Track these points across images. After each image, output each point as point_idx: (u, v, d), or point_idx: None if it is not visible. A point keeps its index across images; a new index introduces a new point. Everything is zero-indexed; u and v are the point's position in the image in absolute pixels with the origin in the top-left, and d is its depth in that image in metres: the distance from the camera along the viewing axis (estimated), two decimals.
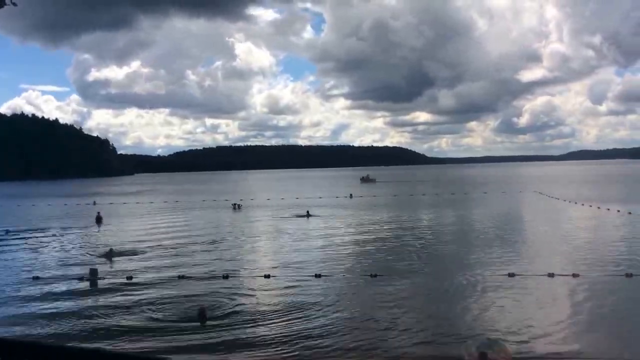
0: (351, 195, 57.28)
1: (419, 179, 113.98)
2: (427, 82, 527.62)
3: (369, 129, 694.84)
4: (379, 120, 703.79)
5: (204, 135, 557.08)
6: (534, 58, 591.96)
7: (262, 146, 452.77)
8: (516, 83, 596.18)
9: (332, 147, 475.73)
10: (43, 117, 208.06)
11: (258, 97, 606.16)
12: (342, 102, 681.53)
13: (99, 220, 36.20)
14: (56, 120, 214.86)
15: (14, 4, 6.82)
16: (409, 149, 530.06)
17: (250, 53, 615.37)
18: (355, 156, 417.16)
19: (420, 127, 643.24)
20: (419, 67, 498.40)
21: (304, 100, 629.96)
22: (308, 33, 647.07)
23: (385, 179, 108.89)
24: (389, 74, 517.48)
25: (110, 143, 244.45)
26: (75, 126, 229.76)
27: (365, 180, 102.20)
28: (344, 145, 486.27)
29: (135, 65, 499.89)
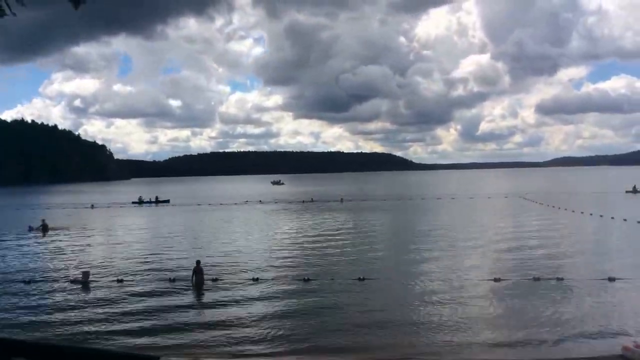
0: (342, 199, 59.71)
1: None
2: (372, 93, 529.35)
3: (337, 136, 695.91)
4: (338, 130, 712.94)
5: (182, 142, 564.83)
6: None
7: (255, 152, 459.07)
8: (462, 95, 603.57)
9: (323, 153, 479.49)
10: (42, 123, 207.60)
11: (224, 107, 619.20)
12: (292, 113, 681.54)
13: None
14: (55, 127, 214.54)
15: (14, 14, 7.20)
16: (397, 155, 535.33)
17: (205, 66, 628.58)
18: (344, 162, 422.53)
19: (383, 135, 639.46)
20: (364, 80, 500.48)
21: (259, 112, 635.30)
22: (250, 49, 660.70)
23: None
24: (331, 85, 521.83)
25: (108, 148, 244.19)
26: (73, 132, 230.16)
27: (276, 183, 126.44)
28: (334, 152, 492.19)
29: (109, 77, 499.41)
